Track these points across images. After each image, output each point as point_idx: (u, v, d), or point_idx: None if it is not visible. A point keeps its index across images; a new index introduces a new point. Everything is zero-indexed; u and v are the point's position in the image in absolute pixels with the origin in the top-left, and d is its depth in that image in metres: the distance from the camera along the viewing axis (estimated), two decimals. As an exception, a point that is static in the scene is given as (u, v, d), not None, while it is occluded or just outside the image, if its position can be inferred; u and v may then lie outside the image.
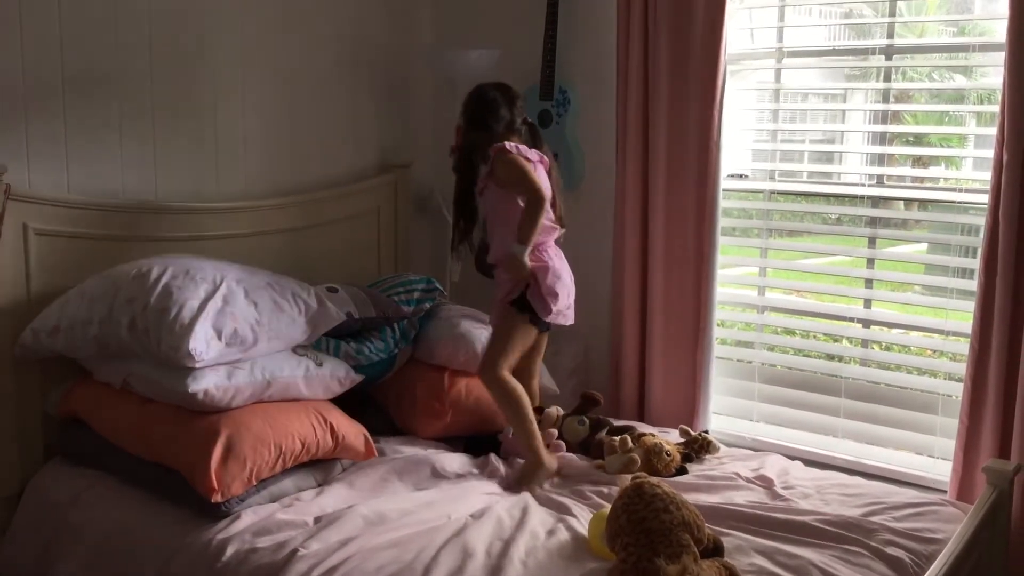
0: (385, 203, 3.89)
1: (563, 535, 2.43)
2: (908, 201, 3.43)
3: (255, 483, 2.55)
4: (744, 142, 3.57)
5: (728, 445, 3.30)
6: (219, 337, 2.60)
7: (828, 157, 3.74)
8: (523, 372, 3.11)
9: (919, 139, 3.59)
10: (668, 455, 2.91)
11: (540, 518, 2.53)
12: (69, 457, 2.84)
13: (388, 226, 3.91)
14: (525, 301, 2.95)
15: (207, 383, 2.57)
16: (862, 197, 3.31)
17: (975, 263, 2.97)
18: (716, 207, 3.35)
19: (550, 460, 2.88)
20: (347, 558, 2.26)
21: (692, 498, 2.50)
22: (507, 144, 2.95)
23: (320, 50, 3.67)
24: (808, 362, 3.49)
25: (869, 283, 3.35)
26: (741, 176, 3.59)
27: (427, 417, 3.17)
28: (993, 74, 3.09)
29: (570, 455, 3.03)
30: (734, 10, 3.30)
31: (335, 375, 2.88)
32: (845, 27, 3.83)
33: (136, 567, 2.44)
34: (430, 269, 3.83)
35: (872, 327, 3.36)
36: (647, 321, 3.50)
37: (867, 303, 3.36)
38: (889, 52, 3.22)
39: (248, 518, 2.46)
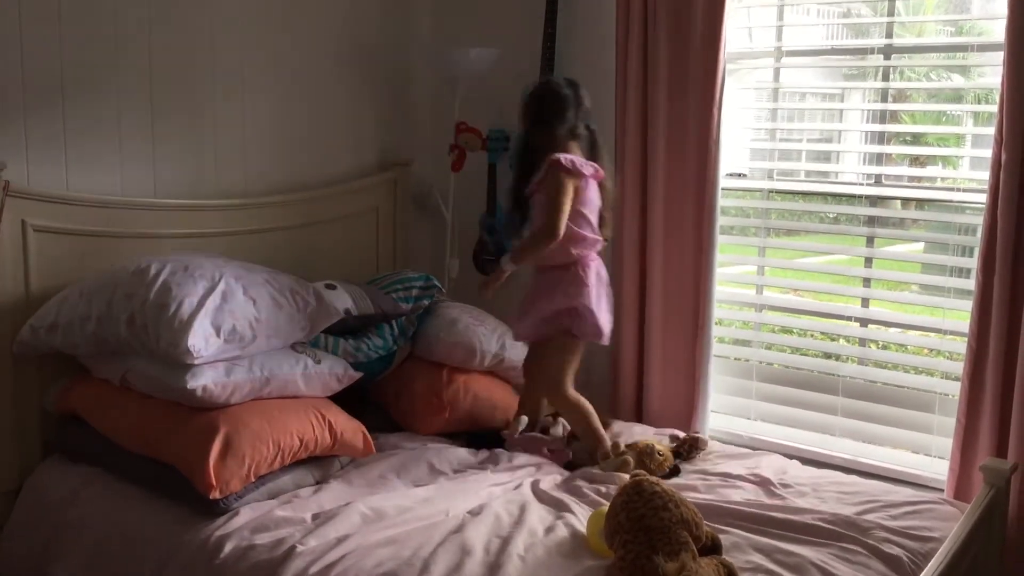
0: (384, 201, 3.89)
1: (562, 532, 2.43)
2: (905, 200, 3.43)
3: (253, 480, 2.55)
4: (742, 141, 3.58)
5: (725, 443, 3.32)
6: (218, 334, 2.60)
7: (826, 156, 3.75)
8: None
9: (917, 139, 3.59)
10: (660, 455, 2.93)
11: (539, 515, 2.53)
12: (67, 454, 2.84)
13: (387, 224, 3.91)
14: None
15: (205, 379, 2.57)
16: (860, 196, 3.31)
17: (972, 262, 2.98)
18: (715, 205, 3.35)
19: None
20: (345, 555, 2.26)
21: (690, 496, 2.51)
22: (563, 159, 2.89)
23: (319, 48, 3.67)
24: (806, 361, 3.49)
25: (867, 282, 3.35)
26: (739, 175, 3.60)
27: (426, 414, 3.18)
28: (991, 74, 3.10)
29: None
30: (733, 9, 3.30)
31: (333, 372, 2.89)
32: (843, 27, 3.84)
33: (134, 564, 2.44)
34: (429, 267, 3.83)
35: (870, 326, 3.36)
36: (645, 319, 3.50)
37: (865, 302, 3.37)
38: (887, 52, 3.23)
39: (246, 515, 2.46)
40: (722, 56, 3.25)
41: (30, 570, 2.65)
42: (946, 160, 3.46)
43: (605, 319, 3.02)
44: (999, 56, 2.78)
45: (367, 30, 3.86)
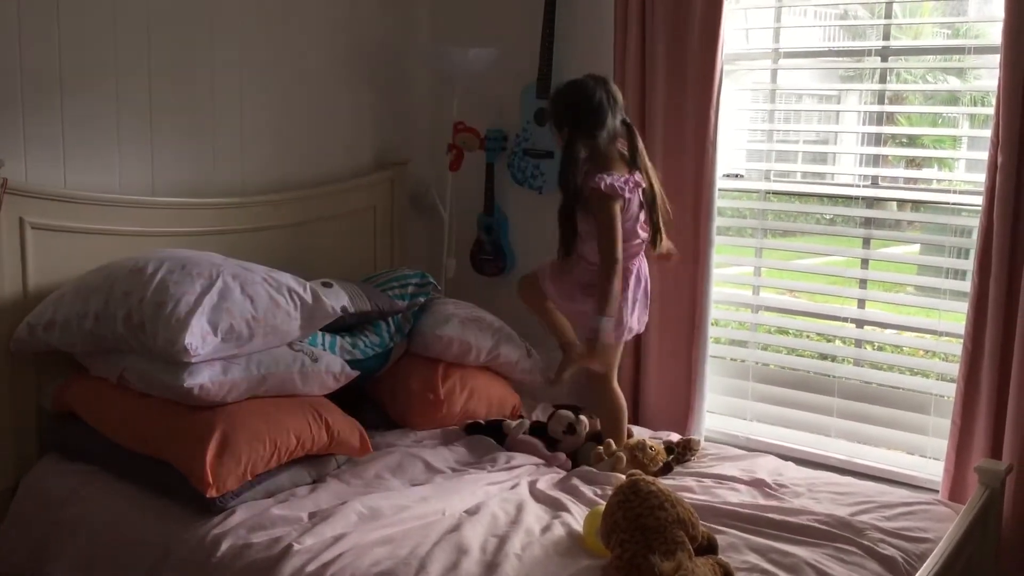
0: (381, 200, 3.89)
1: (558, 531, 2.43)
2: (901, 202, 3.44)
3: (250, 478, 2.55)
4: (739, 142, 3.59)
5: (721, 444, 3.32)
6: (215, 332, 2.60)
7: (823, 158, 3.76)
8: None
9: (913, 140, 3.60)
10: (652, 449, 2.96)
11: (535, 514, 2.54)
12: (64, 452, 2.83)
13: (384, 223, 3.92)
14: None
15: (202, 378, 2.57)
16: (856, 198, 3.32)
17: (968, 264, 2.99)
18: (712, 206, 3.36)
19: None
20: (341, 553, 2.26)
21: (686, 496, 2.52)
22: (603, 185, 2.84)
23: (317, 47, 3.67)
24: (802, 361, 3.50)
25: (863, 283, 3.36)
26: (736, 176, 3.61)
27: (422, 410, 3.18)
28: (987, 76, 3.10)
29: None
30: (730, 10, 3.31)
31: (330, 371, 2.88)
32: (840, 28, 3.85)
33: (131, 562, 2.44)
34: (426, 267, 3.83)
35: (865, 327, 3.37)
36: (642, 320, 3.51)
37: (861, 303, 3.37)
38: (884, 54, 3.24)
39: (243, 513, 2.46)
40: (719, 57, 3.26)
41: (26, 568, 2.65)
42: (942, 162, 3.47)
43: (633, 324, 3.06)
44: (996, 59, 2.79)
45: (365, 30, 3.86)
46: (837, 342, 3.47)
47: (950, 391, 3.03)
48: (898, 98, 3.49)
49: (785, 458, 3.11)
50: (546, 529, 2.45)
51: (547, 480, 2.81)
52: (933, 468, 3.11)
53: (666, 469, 2.93)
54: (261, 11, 3.44)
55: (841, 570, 2.26)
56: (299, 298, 2.87)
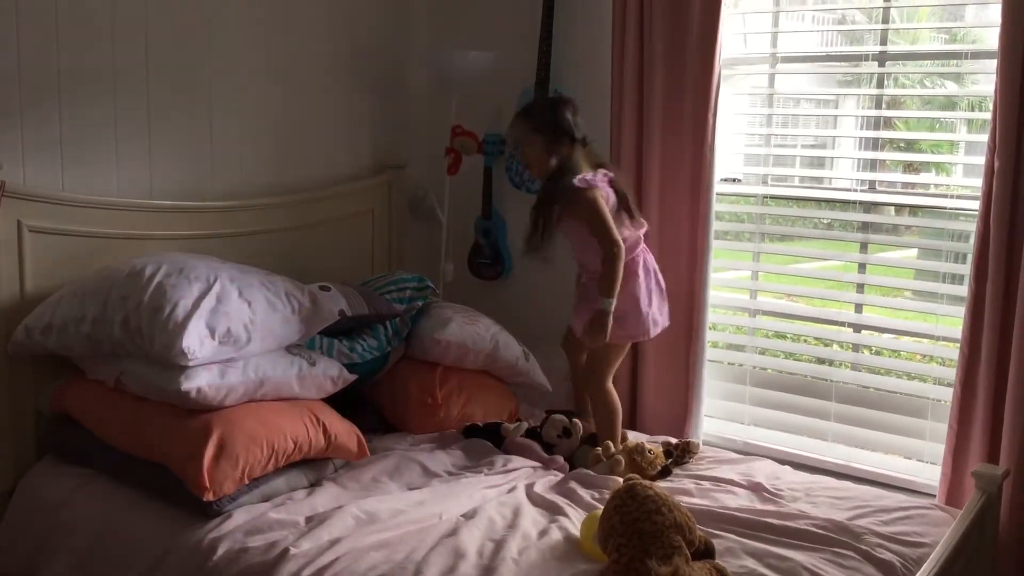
0: (379, 204, 3.89)
1: (555, 536, 2.43)
2: (899, 207, 3.45)
3: (247, 482, 2.55)
4: (737, 146, 3.59)
5: (718, 448, 3.32)
6: (212, 336, 2.60)
7: (820, 162, 3.76)
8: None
9: (911, 145, 3.61)
10: (651, 452, 2.96)
11: (532, 518, 2.54)
12: (61, 455, 2.83)
13: (382, 227, 3.92)
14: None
15: (200, 381, 2.56)
16: (854, 202, 3.33)
17: (965, 269, 2.99)
18: (709, 210, 3.36)
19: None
20: (337, 558, 2.26)
21: (683, 501, 2.52)
22: (578, 181, 2.98)
23: (316, 51, 3.68)
24: (799, 366, 3.51)
25: (860, 288, 3.36)
26: (734, 180, 3.61)
27: (420, 414, 3.18)
28: (984, 81, 3.11)
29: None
30: (728, 15, 3.32)
31: (328, 375, 2.88)
32: (838, 33, 3.85)
33: (127, 565, 2.44)
34: (424, 271, 3.83)
35: (863, 332, 3.38)
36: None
37: (858, 308, 3.38)
38: (882, 58, 3.24)
39: (240, 517, 2.46)
40: (717, 61, 3.27)
41: (23, 571, 2.65)
42: (940, 167, 3.47)
43: (656, 316, 3.13)
44: (993, 64, 2.80)
45: (363, 33, 3.86)
46: (834, 346, 3.47)
47: (947, 395, 3.03)
48: (896, 103, 3.50)
49: (783, 462, 3.11)
50: (543, 533, 2.45)
51: (544, 483, 2.80)
52: (930, 472, 3.11)
53: (664, 473, 2.93)
54: (259, 15, 3.44)
55: (838, 574, 2.26)
56: (297, 302, 2.87)
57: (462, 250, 4.06)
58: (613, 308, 2.97)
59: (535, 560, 2.30)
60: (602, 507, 2.31)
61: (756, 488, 2.80)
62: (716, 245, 3.45)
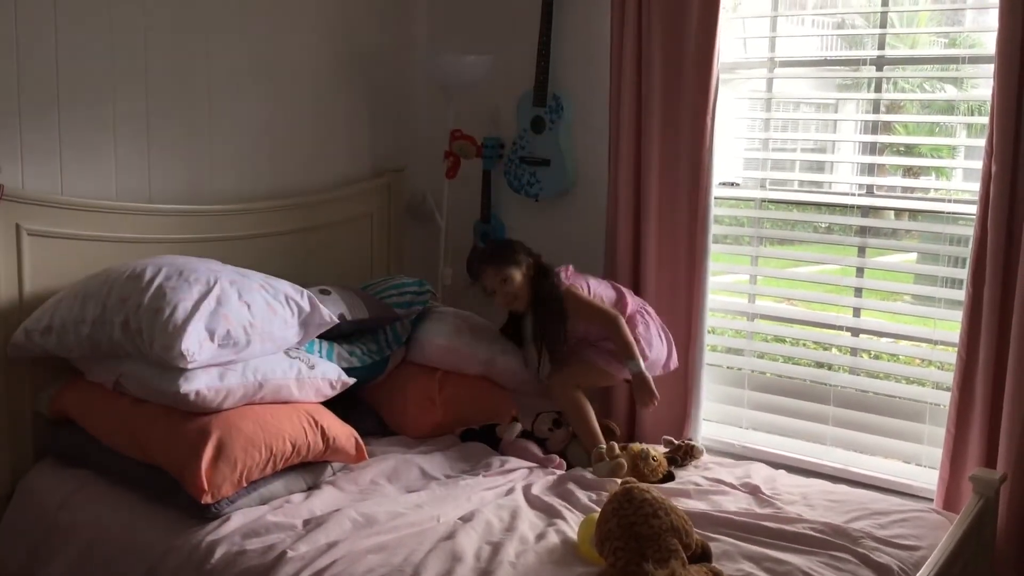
0: (378, 207, 3.90)
1: (552, 539, 2.43)
2: (898, 211, 3.45)
3: (245, 485, 2.55)
4: (736, 150, 3.59)
5: (717, 452, 3.32)
6: (212, 338, 2.60)
7: (819, 166, 3.77)
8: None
9: (909, 149, 3.61)
10: (655, 460, 2.94)
11: (529, 522, 2.54)
12: (60, 457, 2.84)
13: (381, 230, 3.92)
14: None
15: (199, 384, 2.57)
16: (852, 206, 3.33)
17: (964, 273, 2.99)
18: (708, 214, 3.36)
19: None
20: (335, 560, 2.27)
21: (681, 504, 2.52)
22: (557, 281, 3.18)
23: (315, 55, 3.68)
24: (797, 370, 3.51)
25: (859, 292, 3.37)
26: (733, 184, 3.61)
27: (419, 417, 3.18)
28: (983, 86, 3.11)
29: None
30: (727, 19, 3.32)
31: (327, 378, 2.89)
32: (837, 37, 3.86)
33: (125, 568, 2.44)
34: (422, 273, 3.84)
35: (861, 336, 3.38)
36: (638, 327, 3.51)
37: (856, 312, 3.38)
38: (880, 63, 3.25)
39: (238, 520, 2.46)
40: (716, 66, 3.27)
41: (21, 573, 2.65)
42: (939, 171, 3.48)
43: (663, 357, 3.29)
44: (991, 68, 2.80)
45: (362, 37, 3.87)
46: (833, 350, 3.47)
47: (945, 399, 3.03)
48: (894, 107, 3.50)
49: (780, 466, 3.11)
50: (540, 536, 2.45)
51: (542, 485, 2.81)
52: (928, 477, 3.11)
53: (667, 479, 2.93)
54: (258, 19, 3.45)
55: (835, 578, 2.26)
56: (296, 305, 2.87)
57: (461, 254, 4.06)
58: (643, 366, 3.10)
59: (532, 563, 2.30)
60: (599, 510, 2.31)
61: (753, 491, 2.80)
62: (714, 249, 3.45)
